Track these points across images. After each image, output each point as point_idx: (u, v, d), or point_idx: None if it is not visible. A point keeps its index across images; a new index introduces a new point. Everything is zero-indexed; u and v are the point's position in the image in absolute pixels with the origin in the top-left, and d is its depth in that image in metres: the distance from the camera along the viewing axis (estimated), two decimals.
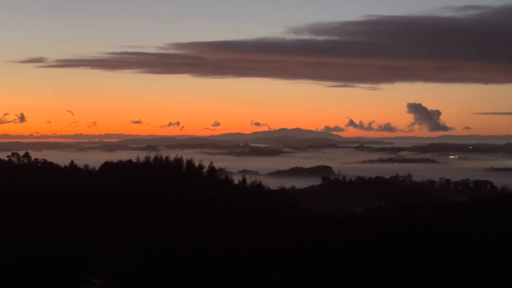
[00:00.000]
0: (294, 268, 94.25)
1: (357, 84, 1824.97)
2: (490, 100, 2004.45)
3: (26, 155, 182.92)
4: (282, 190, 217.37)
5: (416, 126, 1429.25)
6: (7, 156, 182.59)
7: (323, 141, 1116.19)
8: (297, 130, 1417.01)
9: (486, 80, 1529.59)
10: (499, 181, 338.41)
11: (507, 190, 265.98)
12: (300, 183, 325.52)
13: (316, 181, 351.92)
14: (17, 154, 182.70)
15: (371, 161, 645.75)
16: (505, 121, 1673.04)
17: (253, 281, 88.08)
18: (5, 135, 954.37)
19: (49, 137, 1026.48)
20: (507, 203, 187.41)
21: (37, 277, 77.13)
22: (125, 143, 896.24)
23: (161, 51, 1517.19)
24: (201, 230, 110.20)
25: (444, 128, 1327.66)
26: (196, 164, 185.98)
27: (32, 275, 77.48)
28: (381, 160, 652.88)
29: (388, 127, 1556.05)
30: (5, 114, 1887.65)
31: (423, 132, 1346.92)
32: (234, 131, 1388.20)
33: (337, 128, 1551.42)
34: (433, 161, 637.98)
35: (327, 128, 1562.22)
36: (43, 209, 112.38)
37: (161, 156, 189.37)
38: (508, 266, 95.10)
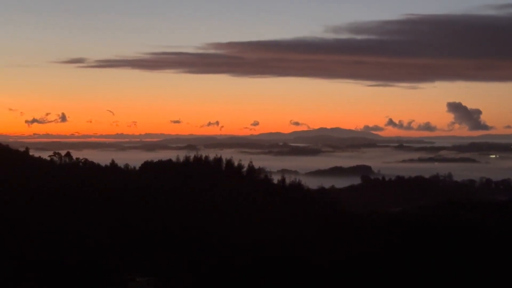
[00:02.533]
0: (335, 267, 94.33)
1: (396, 83, 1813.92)
2: None
3: (68, 154, 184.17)
4: (322, 190, 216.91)
5: (456, 125, 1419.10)
6: (49, 156, 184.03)
7: (362, 140, 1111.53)
8: (337, 129, 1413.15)
9: None
10: None
11: None
12: (340, 183, 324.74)
13: (356, 180, 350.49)
14: (58, 154, 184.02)
15: (411, 160, 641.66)
16: None
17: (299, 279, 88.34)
18: (47, 135, 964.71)
19: (90, 136, 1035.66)
20: None
21: (81, 274, 77.91)
22: (165, 142, 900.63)
23: (200, 51, 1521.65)
24: (240, 229, 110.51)
25: (485, 127, 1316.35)
26: (236, 164, 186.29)
27: (76, 272, 78.24)
28: (421, 160, 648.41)
29: (427, 127, 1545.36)
30: (47, 114, 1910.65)
31: (463, 131, 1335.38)
32: (273, 131, 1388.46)
33: (376, 128, 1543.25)
34: (473, 161, 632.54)
35: (366, 127, 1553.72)
36: (84, 208, 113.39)
37: (201, 156, 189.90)
38: None
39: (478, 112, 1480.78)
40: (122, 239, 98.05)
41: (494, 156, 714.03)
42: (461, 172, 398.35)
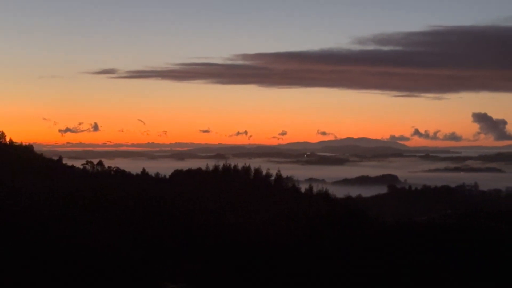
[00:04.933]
0: (361, 273, 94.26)
1: (422, 94, 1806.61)
2: None
3: (100, 163, 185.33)
4: (348, 199, 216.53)
5: (482, 136, 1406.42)
6: (82, 164, 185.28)
7: (388, 150, 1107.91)
8: (363, 139, 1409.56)
9: None
10: None
11: None
12: (366, 192, 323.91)
13: (382, 189, 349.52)
14: (91, 162, 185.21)
15: (437, 170, 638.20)
16: None
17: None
18: (80, 144, 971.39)
19: (121, 145, 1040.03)
20: None
21: (112, 281, 78.08)
22: (194, 151, 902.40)
23: (228, 62, 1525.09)
24: (268, 237, 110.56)
25: (510, 137, 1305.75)
26: (264, 173, 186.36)
27: (107, 279, 78.43)
28: (447, 169, 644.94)
29: (453, 137, 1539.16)
30: (80, 124, 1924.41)
31: (489, 141, 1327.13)
32: (300, 140, 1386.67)
33: (402, 138, 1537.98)
34: (499, 170, 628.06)
35: (393, 137, 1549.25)
36: (116, 216, 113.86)
37: (230, 165, 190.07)
38: None
39: (504, 122, 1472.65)
40: (153, 246, 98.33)
41: None
42: (487, 181, 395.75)
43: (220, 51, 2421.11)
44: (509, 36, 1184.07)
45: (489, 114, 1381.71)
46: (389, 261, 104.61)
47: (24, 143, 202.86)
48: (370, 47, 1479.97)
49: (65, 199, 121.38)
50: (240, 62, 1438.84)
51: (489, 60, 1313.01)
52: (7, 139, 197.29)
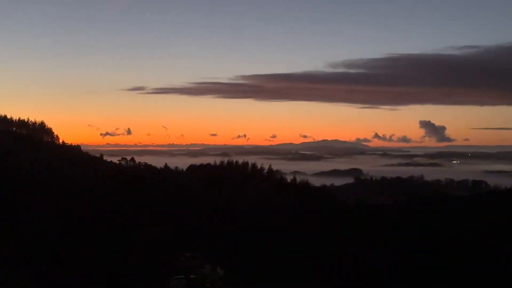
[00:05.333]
0: (332, 245, 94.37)
1: (380, 106, 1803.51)
2: (484, 118, 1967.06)
3: (132, 159, 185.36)
4: (324, 187, 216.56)
5: (427, 138, 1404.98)
6: (118, 160, 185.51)
7: (355, 149, 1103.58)
8: (336, 141, 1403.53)
9: (481, 103, 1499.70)
10: (492, 181, 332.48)
11: (498, 188, 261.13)
12: (338, 181, 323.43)
13: (350, 180, 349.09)
14: (125, 159, 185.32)
15: (392, 165, 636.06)
16: (496, 135, 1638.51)
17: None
18: (116, 144, 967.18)
19: (148, 146, 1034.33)
20: (498, 198, 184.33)
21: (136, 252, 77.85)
22: (205, 150, 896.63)
23: (231, 81, 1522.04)
24: (264, 214, 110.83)
25: (449, 139, 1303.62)
26: (259, 167, 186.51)
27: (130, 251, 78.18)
28: (399, 164, 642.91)
29: (405, 139, 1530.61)
30: (116, 129, 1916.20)
31: (432, 142, 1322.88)
32: (287, 142, 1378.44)
33: (365, 140, 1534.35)
34: (440, 165, 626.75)
35: (358, 139, 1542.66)
36: (145, 196, 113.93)
37: (232, 161, 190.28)
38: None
39: (443, 128, 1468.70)
40: (174, 222, 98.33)
41: (455, 161, 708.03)
42: (430, 174, 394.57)
43: (225, 72, 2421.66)
44: (448, 61, 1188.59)
45: (432, 122, 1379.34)
46: (354, 232, 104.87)
47: (73, 144, 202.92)
48: (340, 70, 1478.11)
49: (106, 186, 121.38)
50: (240, 81, 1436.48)
51: (432, 80, 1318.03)
52: (60, 141, 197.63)
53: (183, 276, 11.18)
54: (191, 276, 11.15)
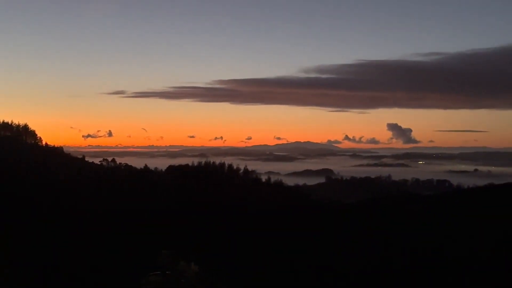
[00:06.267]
0: (305, 241, 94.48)
1: (350, 109, 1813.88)
2: (448, 121, 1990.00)
3: (113, 160, 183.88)
4: (297, 186, 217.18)
5: (394, 140, 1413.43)
6: (99, 161, 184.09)
7: (326, 150, 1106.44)
8: (308, 142, 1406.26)
9: (445, 107, 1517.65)
10: (455, 180, 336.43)
11: (461, 187, 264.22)
12: (310, 181, 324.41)
13: (321, 179, 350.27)
14: (106, 160, 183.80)
15: (361, 165, 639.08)
16: (459, 137, 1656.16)
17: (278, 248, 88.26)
18: (98, 146, 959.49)
19: (129, 147, 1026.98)
20: (460, 196, 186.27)
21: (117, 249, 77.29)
22: (184, 152, 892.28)
23: (208, 86, 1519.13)
24: (240, 212, 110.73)
25: (415, 141, 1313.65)
26: (235, 167, 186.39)
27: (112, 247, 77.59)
28: (368, 165, 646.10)
29: (373, 141, 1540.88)
30: (98, 131, 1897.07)
31: (399, 144, 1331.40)
32: (262, 143, 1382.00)
33: (336, 141, 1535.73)
34: (406, 166, 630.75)
35: (329, 141, 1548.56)
36: (126, 198, 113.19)
37: (210, 161, 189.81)
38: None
39: (410, 130, 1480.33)
40: (153, 219, 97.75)
41: (421, 162, 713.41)
42: (397, 174, 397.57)
43: (203, 77, 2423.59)
44: (414, 67, 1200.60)
45: (399, 124, 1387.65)
46: (326, 229, 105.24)
47: (56, 145, 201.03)
48: (313, 75, 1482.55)
49: (87, 186, 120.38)
50: (217, 85, 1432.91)
51: (399, 85, 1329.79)
52: (43, 143, 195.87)
53: (159, 272, 11.16)
54: (167, 272, 11.15)
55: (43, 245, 74.50)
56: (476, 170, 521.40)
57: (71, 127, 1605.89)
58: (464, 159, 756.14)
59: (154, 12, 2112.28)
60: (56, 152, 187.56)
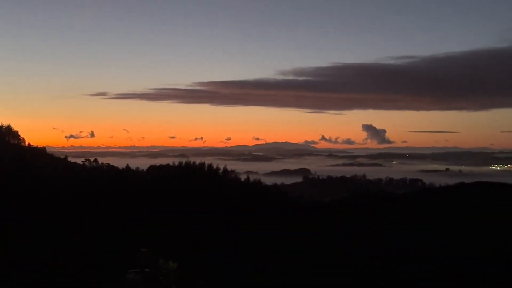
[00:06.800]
0: (281, 239, 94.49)
1: (327, 111, 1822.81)
2: (420, 122, 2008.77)
3: (95, 160, 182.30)
4: (275, 185, 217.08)
5: (369, 141, 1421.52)
6: (82, 161, 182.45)
7: (303, 151, 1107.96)
8: (286, 143, 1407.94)
9: (417, 108, 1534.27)
10: (427, 179, 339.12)
11: (433, 185, 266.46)
12: (287, 180, 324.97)
13: (299, 179, 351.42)
14: (89, 160, 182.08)
15: (337, 165, 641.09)
16: (431, 137, 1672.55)
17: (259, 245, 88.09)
18: (80, 146, 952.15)
19: (111, 148, 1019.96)
20: (432, 194, 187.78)
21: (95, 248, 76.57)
22: (164, 152, 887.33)
23: (189, 87, 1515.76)
24: (222, 211, 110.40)
25: (389, 141, 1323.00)
26: (215, 167, 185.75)
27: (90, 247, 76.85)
28: (344, 164, 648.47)
29: (349, 141, 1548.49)
30: (81, 132, 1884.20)
31: (373, 144, 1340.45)
32: (241, 144, 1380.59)
33: (313, 142, 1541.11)
34: (381, 165, 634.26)
35: (306, 141, 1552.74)
36: (108, 197, 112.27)
37: (190, 161, 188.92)
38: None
39: (384, 131, 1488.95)
40: (134, 218, 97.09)
41: (395, 162, 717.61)
42: (372, 173, 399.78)
43: (183, 79, 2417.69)
44: (388, 70, 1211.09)
45: (373, 125, 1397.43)
46: (302, 227, 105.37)
47: (39, 146, 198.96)
48: (290, 77, 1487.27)
49: (69, 186, 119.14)
50: (197, 87, 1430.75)
51: (374, 87, 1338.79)
52: (26, 143, 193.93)
53: (138, 270, 11.02)
54: (146, 270, 11.02)
55: (25, 244, 73.58)
56: (447, 169, 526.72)
57: (54, 128, 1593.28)
58: (436, 159, 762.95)
59: (136, 14, 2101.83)
60: (39, 152, 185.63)
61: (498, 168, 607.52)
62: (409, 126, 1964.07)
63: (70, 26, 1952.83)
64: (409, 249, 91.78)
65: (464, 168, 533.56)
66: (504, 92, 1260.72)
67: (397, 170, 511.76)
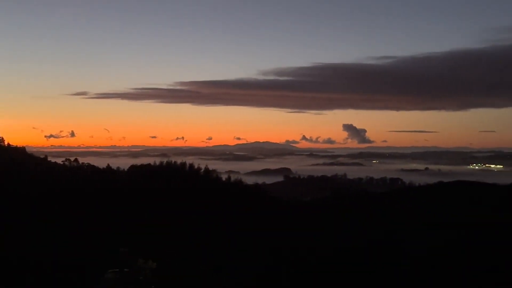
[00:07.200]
0: (261, 238, 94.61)
1: (307, 111, 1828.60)
2: (400, 122, 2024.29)
3: (76, 160, 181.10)
4: (256, 185, 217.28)
5: (349, 140, 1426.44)
6: (62, 161, 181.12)
7: (284, 150, 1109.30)
8: (267, 142, 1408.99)
9: (397, 108, 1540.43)
10: (407, 178, 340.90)
11: (412, 184, 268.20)
12: (269, 180, 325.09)
13: (280, 178, 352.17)
14: (69, 160, 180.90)
15: (318, 164, 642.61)
16: (411, 137, 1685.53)
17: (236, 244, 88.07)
18: (60, 146, 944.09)
19: (92, 147, 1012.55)
20: (412, 193, 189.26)
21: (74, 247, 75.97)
22: (146, 152, 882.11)
23: (170, 87, 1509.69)
24: (202, 210, 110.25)
25: (369, 141, 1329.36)
26: (196, 167, 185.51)
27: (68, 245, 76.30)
28: (325, 164, 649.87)
29: (329, 141, 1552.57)
30: (61, 131, 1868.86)
31: (354, 144, 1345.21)
32: (222, 143, 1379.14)
33: (294, 141, 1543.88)
34: (361, 165, 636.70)
35: (287, 141, 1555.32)
36: (87, 197, 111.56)
37: (171, 161, 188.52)
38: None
39: (364, 131, 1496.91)
40: (114, 217, 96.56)
41: (375, 161, 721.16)
42: (352, 172, 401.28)
43: (164, 79, 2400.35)
44: (368, 70, 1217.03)
45: (354, 125, 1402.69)
46: (283, 226, 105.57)
47: (18, 146, 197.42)
48: (271, 77, 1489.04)
49: (50, 186, 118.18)
50: (178, 87, 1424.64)
51: (354, 87, 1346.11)
52: (6, 143, 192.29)
53: (118, 270, 10.98)
54: (125, 269, 10.98)
55: (6, 243, 72.81)
56: (427, 168, 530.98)
57: (34, 128, 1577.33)
58: (415, 158, 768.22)
59: (115, 14, 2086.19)
60: (18, 152, 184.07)
61: (477, 167, 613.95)
62: (389, 126, 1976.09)
63: (49, 25, 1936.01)
64: (389, 246, 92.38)
65: (443, 167, 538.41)
66: (483, 92, 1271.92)
67: (377, 170, 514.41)
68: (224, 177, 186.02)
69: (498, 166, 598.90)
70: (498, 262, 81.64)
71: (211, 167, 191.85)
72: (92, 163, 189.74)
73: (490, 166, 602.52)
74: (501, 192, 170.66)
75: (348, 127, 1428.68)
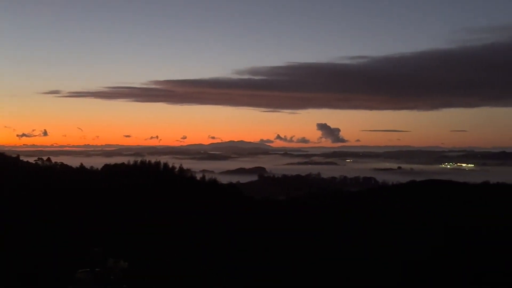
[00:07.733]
0: (236, 237, 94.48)
1: (282, 110, 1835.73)
2: (374, 121, 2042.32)
3: (48, 159, 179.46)
4: (231, 184, 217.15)
5: (323, 139, 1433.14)
6: (34, 160, 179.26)
7: (259, 149, 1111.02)
8: (241, 142, 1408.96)
9: (370, 108, 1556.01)
10: (380, 177, 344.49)
11: (385, 183, 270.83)
12: (243, 179, 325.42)
13: (254, 177, 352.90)
14: (41, 159, 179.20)
15: (292, 163, 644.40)
16: (384, 136, 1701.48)
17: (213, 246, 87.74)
18: (33, 145, 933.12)
19: (64, 146, 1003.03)
20: (385, 192, 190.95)
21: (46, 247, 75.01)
22: (119, 151, 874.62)
23: (144, 86, 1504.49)
24: (175, 212, 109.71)
25: (343, 140, 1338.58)
26: (170, 166, 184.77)
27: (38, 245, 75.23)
28: (299, 163, 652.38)
29: (304, 140, 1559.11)
30: (33, 130, 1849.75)
31: (328, 143, 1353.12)
32: (196, 142, 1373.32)
33: (268, 141, 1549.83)
34: (335, 164, 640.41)
35: (262, 140, 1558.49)
36: (60, 199, 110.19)
37: (145, 160, 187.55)
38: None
39: (338, 130, 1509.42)
40: (87, 218, 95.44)
41: (349, 160, 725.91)
42: (326, 171, 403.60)
43: (138, 78, 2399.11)
44: (342, 70, 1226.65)
45: (328, 124, 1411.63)
46: (257, 225, 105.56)
47: None
48: (245, 76, 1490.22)
49: (21, 187, 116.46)
50: (153, 86, 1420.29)
51: (328, 87, 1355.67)
52: None
53: (89, 269, 10.83)
54: (96, 269, 10.84)
55: None
56: (399, 167, 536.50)
57: (5, 126, 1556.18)
58: (388, 157, 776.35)
59: (90, 12, 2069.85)
60: None
61: (448, 166, 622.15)
62: (363, 125, 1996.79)
63: (21, 24, 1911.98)
64: (363, 246, 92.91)
65: (415, 167, 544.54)
66: (453, 92, 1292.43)
67: (350, 169, 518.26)
68: (198, 176, 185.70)
69: (469, 165, 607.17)
70: (466, 262, 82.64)
71: (185, 166, 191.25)
72: (65, 162, 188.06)
73: (461, 165, 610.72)
74: (472, 191, 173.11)
75: (322, 127, 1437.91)
